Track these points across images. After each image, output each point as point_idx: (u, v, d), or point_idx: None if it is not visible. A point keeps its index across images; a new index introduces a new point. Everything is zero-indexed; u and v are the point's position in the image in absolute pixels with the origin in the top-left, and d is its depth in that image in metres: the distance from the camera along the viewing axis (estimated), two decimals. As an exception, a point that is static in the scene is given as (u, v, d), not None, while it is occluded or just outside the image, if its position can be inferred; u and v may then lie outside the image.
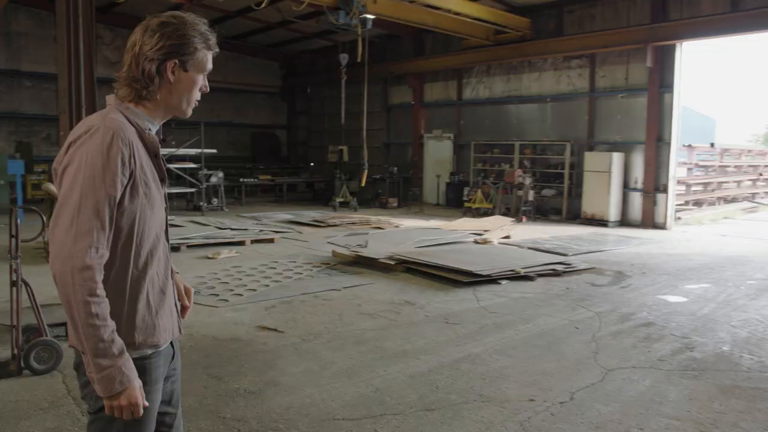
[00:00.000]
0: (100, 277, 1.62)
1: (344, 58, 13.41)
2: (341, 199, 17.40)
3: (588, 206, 14.82)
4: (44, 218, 5.01)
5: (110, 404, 1.65)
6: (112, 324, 1.63)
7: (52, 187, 5.74)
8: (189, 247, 10.08)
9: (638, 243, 11.73)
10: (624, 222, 14.70)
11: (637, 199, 14.65)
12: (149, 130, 1.84)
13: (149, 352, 1.81)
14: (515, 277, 7.97)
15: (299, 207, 17.78)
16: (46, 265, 7.78)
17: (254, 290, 7.16)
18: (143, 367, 1.77)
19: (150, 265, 1.81)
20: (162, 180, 1.87)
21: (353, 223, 13.37)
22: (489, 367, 4.76)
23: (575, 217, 15.39)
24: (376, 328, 5.78)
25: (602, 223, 14.42)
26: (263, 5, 11.76)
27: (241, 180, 18.32)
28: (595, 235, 12.57)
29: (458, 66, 18.30)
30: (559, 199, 15.83)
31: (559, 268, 8.58)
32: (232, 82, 23.86)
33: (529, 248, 10.64)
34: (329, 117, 24.68)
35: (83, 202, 1.62)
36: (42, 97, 20.04)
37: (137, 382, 1.68)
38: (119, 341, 1.64)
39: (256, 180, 18.99)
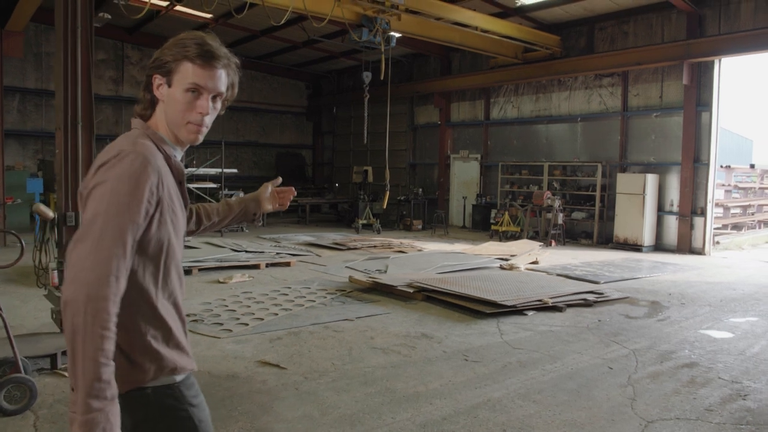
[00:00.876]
0: (114, 310, 1.51)
1: (367, 76, 13.08)
2: (364, 221, 16.99)
3: (620, 230, 14.14)
4: (23, 242, 4.66)
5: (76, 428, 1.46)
6: (113, 365, 1.50)
7: (43, 208, 5.44)
8: (201, 270, 9.73)
9: (675, 270, 11.03)
10: (659, 247, 13.97)
11: (672, 223, 13.92)
12: (174, 156, 1.80)
13: (184, 375, 1.79)
14: (543, 307, 7.41)
15: (321, 229, 17.42)
16: (32, 289, 7.43)
17: (261, 319, 6.73)
18: (190, 385, 1.80)
19: (174, 292, 1.79)
20: (185, 206, 1.86)
21: (374, 247, 12.92)
22: (511, 415, 4.23)
23: (607, 241, 14.70)
24: (387, 365, 5.29)
25: (636, 247, 13.71)
26: (282, 21, 11.46)
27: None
28: (628, 261, 11.90)
29: (486, 85, 17.86)
30: (590, 222, 15.17)
31: (590, 297, 7.99)
32: (258, 101, 23.83)
33: (558, 275, 10.04)
34: (355, 137, 24.41)
35: (106, 228, 1.54)
36: (69, 117, 20.13)
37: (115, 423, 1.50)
38: (114, 386, 1.50)
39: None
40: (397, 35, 15.63)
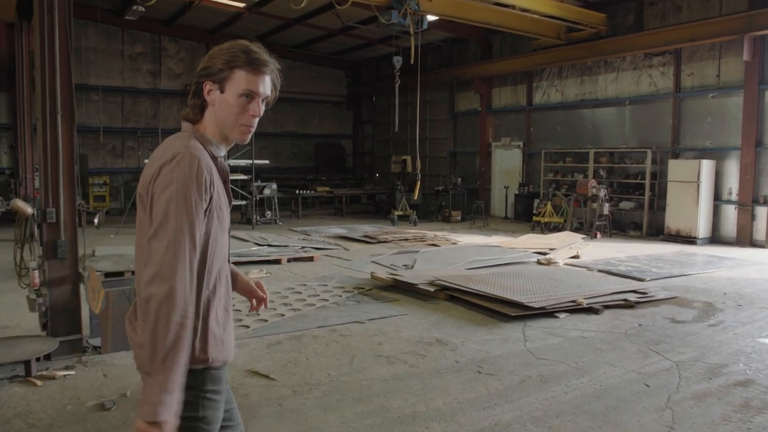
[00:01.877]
0: (192, 300, 1.71)
1: (398, 60, 12.44)
2: (400, 213, 16.39)
3: (672, 221, 13.09)
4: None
5: (146, 429, 1.61)
6: (188, 353, 1.69)
7: (21, 204, 5.09)
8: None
9: (732, 265, 10.03)
10: (715, 239, 12.87)
11: (731, 213, 12.79)
12: (221, 157, 1.95)
13: (220, 365, 1.89)
14: (577, 309, 6.68)
15: (357, 221, 16.93)
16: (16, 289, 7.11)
17: (265, 321, 6.25)
18: (218, 377, 1.89)
19: (219, 285, 1.91)
20: (230, 203, 1.98)
21: (406, 240, 12.33)
22: (520, 444, 3.60)
23: (657, 232, 13.67)
24: (389, 377, 4.71)
25: (689, 240, 12.66)
26: (302, 4, 10.92)
27: (297, 192, 17.66)
28: (679, 255, 10.92)
29: (528, 68, 16.94)
30: (638, 212, 14.15)
31: (632, 297, 7.19)
32: (296, 91, 23.45)
33: (600, 270, 9.23)
34: (394, 126, 23.77)
35: (180, 228, 1.71)
36: (108, 110, 20.27)
37: (176, 421, 1.67)
38: (184, 374, 1.68)
39: (312, 192, 18.25)
40: (432, 18, 14.96)
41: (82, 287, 5.31)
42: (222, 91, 1.86)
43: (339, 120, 25.46)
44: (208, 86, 1.87)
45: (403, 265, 9.53)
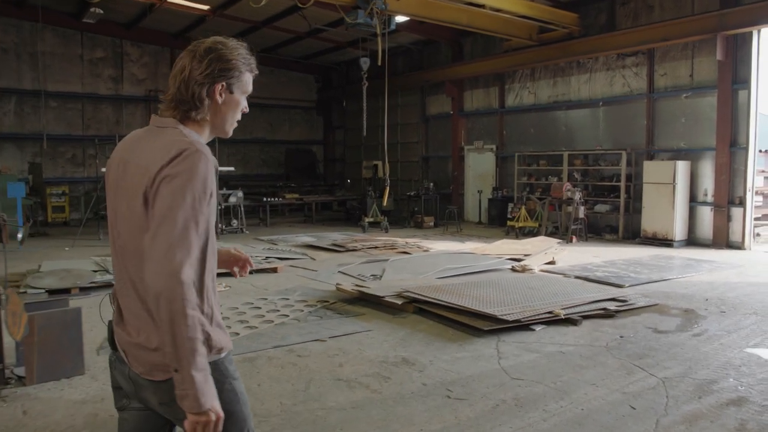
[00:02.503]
0: (198, 291, 1.75)
1: (365, 62, 11.98)
2: (371, 219, 15.91)
3: (648, 223, 12.82)
4: None
5: (198, 420, 1.66)
6: (199, 334, 1.69)
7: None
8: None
9: (711, 268, 9.74)
10: (691, 241, 12.63)
11: (707, 215, 12.56)
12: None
13: (227, 352, 1.92)
14: (554, 320, 6.25)
15: (327, 228, 16.41)
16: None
17: (217, 341, 5.71)
18: (231, 360, 1.93)
19: (213, 272, 1.90)
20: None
21: (376, 248, 11.84)
22: (493, 486, 3.13)
23: (634, 235, 13.40)
24: (348, 405, 4.21)
25: (666, 242, 12.39)
26: (262, 2, 10.40)
27: (265, 199, 17.07)
28: (657, 259, 10.61)
29: (500, 70, 16.62)
30: (614, 215, 13.87)
31: (612, 306, 6.80)
32: (265, 96, 22.83)
33: (577, 277, 8.85)
34: (367, 131, 23.31)
35: (187, 221, 1.70)
36: (67, 117, 19.50)
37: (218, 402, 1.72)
38: (203, 351, 1.70)
39: (280, 200, 17.67)
40: (400, 18, 14.57)
41: (2, 312, 4.72)
42: (231, 92, 1.92)
43: (309, 126, 24.92)
44: (220, 87, 1.89)
45: (371, 276, 9.04)
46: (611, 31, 13.71)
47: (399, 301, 6.86)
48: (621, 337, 5.83)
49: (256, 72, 1.99)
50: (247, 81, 1.96)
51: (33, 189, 16.37)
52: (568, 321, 6.27)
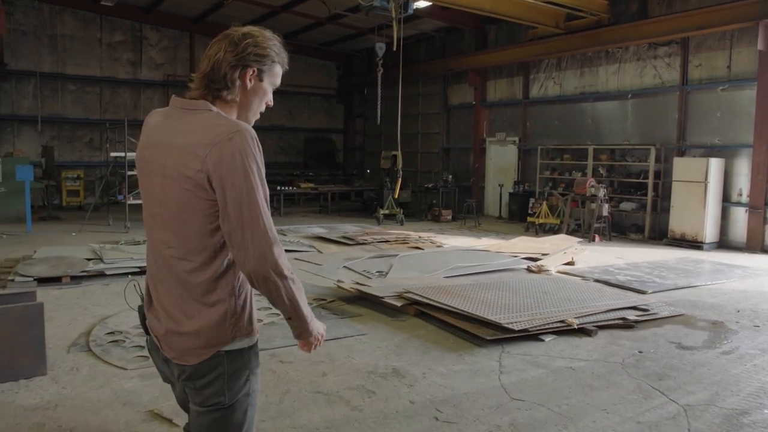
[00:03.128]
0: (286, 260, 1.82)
1: (381, 48, 11.45)
2: (386, 212, 15.42)
3: (677, 223, 12.10)
4: None
5: (309, 341, 1.96)
6: (298, 288, 1.86)
7: None
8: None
9: (744, 274, 9.04)
10: (723, 244, 11.87)
11: (741, 216, 11.79)
12: None
13: (256, 340, 1.98)
14: (566, 329, 5.70)
15: (342, 219, 15.96)
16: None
17: (196, 342, 5.29)
18: (257, 352, 1.99)
19: None
20: None
21: (386, 242, 11.35)
22: None
23: (661, 236, 12.69)
24: (322, 424, 3.74)
25: (695, 244, 11.67)
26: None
27: (278, 188, 16.67)
28: (684, 262, 9.94)
29: (524, 59, 15.91)
30: (640, 214, 13.16)
31: (632, 315, 6.21)
32: (284, 83, 21.21)
33: (596, 280, 8.25)
34: (386, 120, 22.78)
35: (264, 204, 1.78)
36: (85, 101, 19.33)
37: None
38: (302, 296, 1.89)
39: (294, 189, 17.24)
40: (422, 4, 14.01)
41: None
42: (261, 80, 1.94)
43: (329, 114, 24.45)
44: (252, 72, 1.91)
45: (377, 272, 8.56)
46: (643, 18, 12.92)
47: (399, 303, 6.37)
48: (640, 352, 5.25)
49: (287, 68, 2.01)
50: (277, 73, 1.98)
51: (46, 172, 16.23)
52: (582, 331, 5.71)
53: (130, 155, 13.69)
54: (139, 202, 14.21)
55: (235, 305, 1.86)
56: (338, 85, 24.16)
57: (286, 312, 1.86)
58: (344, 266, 9.03)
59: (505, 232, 13.85)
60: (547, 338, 5.52)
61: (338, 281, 7.58)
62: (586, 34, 13.82)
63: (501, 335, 5.35)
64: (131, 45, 19.97)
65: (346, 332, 5.69)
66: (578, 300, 6.53)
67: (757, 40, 10.91)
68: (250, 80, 1.91)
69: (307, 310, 1.88)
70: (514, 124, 16.97)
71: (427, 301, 6.19)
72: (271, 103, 2.05)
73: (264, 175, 1.81)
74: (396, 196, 10.41)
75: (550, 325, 5.63)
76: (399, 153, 10.54)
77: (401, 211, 15.33)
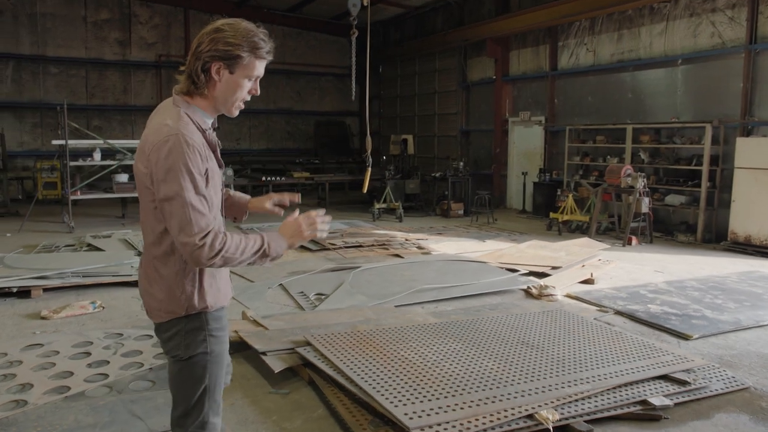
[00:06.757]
0: (219, 242, 1.95)
1: (354, 4, 9.01)
2: (383, 206, 13.13)
3: (740, 223, 9.37)
4: None
5: (297, 243, 2.18)
6: (243, 246, 2.00)
7: None
8: (47, 290, 6.38)
9: (838, 300, 6.37)
10: (804, 250, 9.09)
11: (827, 213, 8.97)
12: (209, 129, 2.12)
13: (218, 308, 2.17)
14: (536, 431, 3.32)
15: (337, 214, 13.77)
16: None
17: None
18: (218, 316, 2.17)
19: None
20: (220, 167, 2.16)
21: (360, 246, 9.08)
22: None
23: (718, 238, 9.97)
24: None
25: (764, 251, 8.95)
26: None
27: (264, 178, 14.54)
28: (750, 279, 7.29)
29: (551, 22, 13.25)
30: (692, 210, 10.43)
31: (661, 391, 3.77)
32: (291, 62, 20.35)
33: (618, 312, 5.79)
34: (402, 100, 20.44)
35: (188, 201, 1.93)
36: (70, 85, 17.66)
37: (277, 232, 2.16)
38: (258, 243, 2.04)
39: (282, 179, 15.05)
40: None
41: None
42: (231, 72, 2.04)
43: (342, 95, 22.12)
44: (217, 66, 2.02)
45: (315, 295, 6.31)
46: (698, -39, 10.15)
47: (288, 362, 4.09)
48: (664, 488, 2.85)
49: (268, 57, 2.10)
50: (252, 65, 2.06)
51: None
52: (567, 431, 3.32)
53: (73, 143, 11.88)
54: (84, 197, 12.68)
55: (183, 284, 2.06)
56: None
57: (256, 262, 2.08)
58: (281, 283, 6.81)
59: (522, 230, 11.36)
60: (500, 449, 3.15)
61: (243, 313, 5.36)
62: (625, -14, 11.09)
63: (412, 448, 3.02)
64: (119, 23, 18.15)
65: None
66: (573, 364, 4.10)
67: None
68: (218, 74, 2.03)
69: (256, 247, 2.03)
70: (540, 101, 14.34)
71: (323, 366, 3.89)
72: (257, 92, 2.14)
73: (201, 174, 1.96)
74: (365, 191, 8.18)
75: (509, 425, 3.25)
76: (369, 135, 8.24)
77: (400, 205, 13.01)
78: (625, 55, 12.05)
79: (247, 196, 2.52)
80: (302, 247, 9.17)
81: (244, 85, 2.07)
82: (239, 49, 2.00)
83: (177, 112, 2.02)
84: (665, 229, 10.78)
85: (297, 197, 2.51)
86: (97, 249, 8.38)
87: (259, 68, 2.08)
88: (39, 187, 15.85)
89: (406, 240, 9.66)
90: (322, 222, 2.16)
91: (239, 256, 1.98)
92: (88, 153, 12.51)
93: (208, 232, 1.93)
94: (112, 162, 11.87)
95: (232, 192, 2.52)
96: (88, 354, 4.54)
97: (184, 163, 1.90)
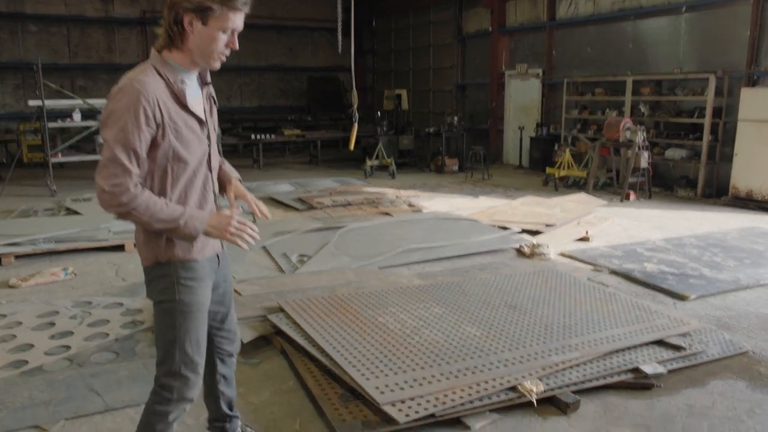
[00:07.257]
0: (133, 197, 1.96)
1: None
2: (375, 163, 12.81)
3: (742, 177, 9.06)
4: None
5: (218, 236, 2.13)
6: (154, 210, 1.99)
7: None
8: (19, 257, 6.13)
9: (842, 256, 6.12)
10: (807, 204, 8.81)
11: (833, 166, 8.65)
12: (182, 81, 2.08)
13: (190, 261, 2.16)
14: (518, 404, 3.09)
15: (328, 172, 13.48)
16: None
17: None
18: (191, 267, 2.16)
19: (188, 194, 2.15)
20: (199, 123, 2.14)
21: (349, 205, 8.79)
22: None
23: (719, 193, 9.68)
24: None
25: (766, 206, 8.67)
26: None
27: (253, 137, 14.14)
28: (751, 235, 7.03)
29: (549, -32, 12.66)
30: (692, 164, 10.09)
31: (653, 357, 3.54)
32: (282, 17, 19.65)
33: (613, 272, 5.54)
34: (396, 55, 19.84)
35: (113, 151, 1.95)
36: (51, 44, 17.06)
37: (206, 217, 2.10)
38: (176, 214, 2.02)
39: (272, 137, 14.62)
40: None
41: None
42: (204, 24, 2.01)
43: (335, 50, 21.45)
44: (189, 18, 2.00)
45: (299, 257, 6.07)
46: None
47: (259, 331, 3.86)
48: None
49: (244, 9, 2.05)
50: (225, 17, 2.01)
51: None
52: (552, 404, 3.10)
53: (51, 104, 11.49)
54: (65, 159, 12.29)
55: (145, 233, 2.11)
56: (345, 16, 21.12)
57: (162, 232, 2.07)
58: (263, 245, 6.56)
59: (518, 186, 11.06)
60: (478, 424, 2.93)
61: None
62: (626, -72, 10.51)
63: (387, 429, 2.79)
64: (100, -24, 17.45)
65: (131, 398, 3.24)
66: (562, 329, 3.86)
67: None
68: (190, 25, 2.01)
69: (172, 217, 2.01)
70: (537, 53, 13.82)
71: (293, 334, 3.65)
72: (236, 45, 2.10)
73: (148, 124, 1.96)
74: (351, 147, 7.82)
75: (486, 400, 3.02)
76: (354, 89, 7.87)
77: (392, 161, 12.68)
78: (627, 3, 11.51)
79: (233, 176, 2.43)
80: (288, 206, 8.88)
81: (219, 38, 2.04)
82: (211, 2, 1.98)
83: (144, 66, 2.05)
84: (665, 184, 10.47)
85: (266, 214, 2.38)
86: (76, 213, 8.09)
87: (235, 20, 2.04)
88: (24, 150, 15.49)
89: (397, 197, 9.37)
90: (250, 236, 2.10)
91: (147, 218, 1.98)
92: (69, 114, 12.09)
93: (120, 183, 1.93)
94: (93, 123, 11.45)
95: (225, 166, 2.46)
96: (53, 324, 4.31)
97: (126, 108, 1.92)
